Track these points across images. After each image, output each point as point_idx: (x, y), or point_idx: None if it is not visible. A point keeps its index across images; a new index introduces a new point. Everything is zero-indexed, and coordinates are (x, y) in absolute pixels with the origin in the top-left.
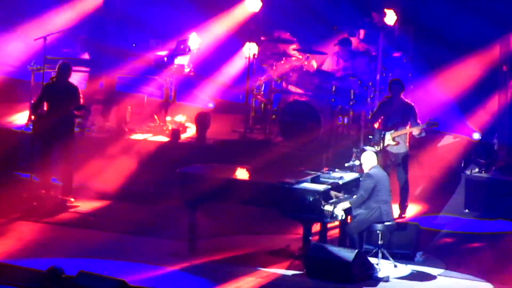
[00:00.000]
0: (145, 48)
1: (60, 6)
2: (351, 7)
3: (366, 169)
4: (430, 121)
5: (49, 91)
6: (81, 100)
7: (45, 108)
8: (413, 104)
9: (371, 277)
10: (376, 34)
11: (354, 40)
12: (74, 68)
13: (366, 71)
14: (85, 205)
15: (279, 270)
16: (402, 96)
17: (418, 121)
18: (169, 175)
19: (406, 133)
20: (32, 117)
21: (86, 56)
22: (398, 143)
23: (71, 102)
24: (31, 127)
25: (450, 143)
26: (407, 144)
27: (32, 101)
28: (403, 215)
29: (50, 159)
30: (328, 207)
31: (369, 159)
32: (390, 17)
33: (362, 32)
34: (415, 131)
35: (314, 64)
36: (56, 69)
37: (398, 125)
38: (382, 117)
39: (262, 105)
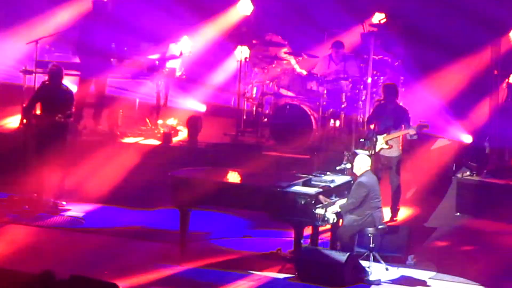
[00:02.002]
0: (137, 51)
1: (51, 10)
2: (342, 10)
3: (358, 172)
4: (421, 124)
5: (43, 94)
6: (73, 106)
7: (38, 111)
8: (406, 108)
9: (363, 280)
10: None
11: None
12: (65, 71)
13: (358, 74)
14: (76, 208)
15: (271, 274)
16: (396, 101)
17: (411, 124)
18: (161, 179)
19: (399, 137)
20: (24, 120)
21: (77, 59)
22: (391, 147)
23: (65, 106)
24: (23, 130)
25: (441, 146)
26: (400, 147)
27: (24, 105)
28: (394, 219)
29: (42, 163)
30: (319, 210)
31: (362, 163)
32: (381, 20)
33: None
34: (409, 132)
35: (303, 72)
36: (48, 73)
37: (390, 128)
38: (376, 121)
39: (254, 108)
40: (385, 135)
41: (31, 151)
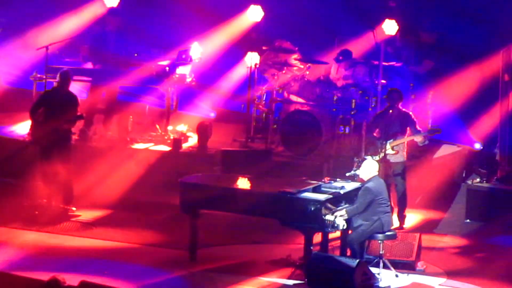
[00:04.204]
0: (147, 57)
1: (62, 16)
2: (352, 16)
3: (365, 178)
4: (433, 128)
5: (47, 98)
6: (78, 110)
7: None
8: (410, 112)
9: (373, 287)
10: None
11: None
12: (76, 77)
13: (367, 80)
14: (86, 214)
15: (280, 280)
16: (399, 106)
17: (419, 128)
18: (171, 184)
19: (405, 142)
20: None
21: (88, 65)
22: (397, 152)
23: (69, 111)
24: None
25: (451, 153)
26: (405, 153)
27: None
28: (402, 226)
29: (51, 168)
30: (329, 217)
31: (370, 168)
32: (392, 27)
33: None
34: (418, 138)
35: (313, 78)
36: (57, 77)
37: (397, 134)
38: (378, 126)
39: (263, 114)
40: (391, 140)
41: (39, 156)
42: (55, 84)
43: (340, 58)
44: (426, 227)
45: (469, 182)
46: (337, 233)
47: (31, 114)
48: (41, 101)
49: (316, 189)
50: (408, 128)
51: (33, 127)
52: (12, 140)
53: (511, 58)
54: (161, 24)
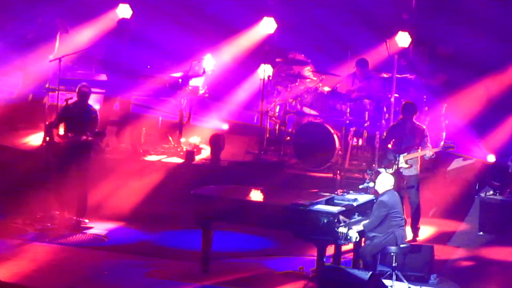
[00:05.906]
0: (160, 69)
1: (75, 28)
2: (365, 29)
3: (380, 191)
4: (446, 144)
5: (68, 113)
6: (97, 125)
7: (61, 130)
8: (424, 126)
9: None
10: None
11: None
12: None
13: (381, 92)
14: (99, 226)
15: None
16: (414, 119)
17: (428, 144)
18: (183, 197)
19: (418, 156)
20: (47, 138)
21: (101, 77)
22: (410, 166)
23: (89, 126)
24: (45, 148)
25: (464, 165)
26: (418, 166)
27: (47, 122)
28: (416, 238)
29: (65, 181)
30: (342, 229)
31: (385, 181)
32: (405, 39)
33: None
34: (428, 153)
35: (327, 89)
36: (77, 91)
37: (411, 147)
38: (393, 139)
39: (277, 126)
40: (405, 154)
41: (53, 169)
42: (68, 97)
43: (357, 67)
44: (440, 240)
45: (482, 194)
46: (350, 246)
47: (49, 128)
48: (62, 116)
49: (329, 202)
50: (421, 143)
51: (51, 140)
52: (25, 152)
53: None
54: (174, 36)
